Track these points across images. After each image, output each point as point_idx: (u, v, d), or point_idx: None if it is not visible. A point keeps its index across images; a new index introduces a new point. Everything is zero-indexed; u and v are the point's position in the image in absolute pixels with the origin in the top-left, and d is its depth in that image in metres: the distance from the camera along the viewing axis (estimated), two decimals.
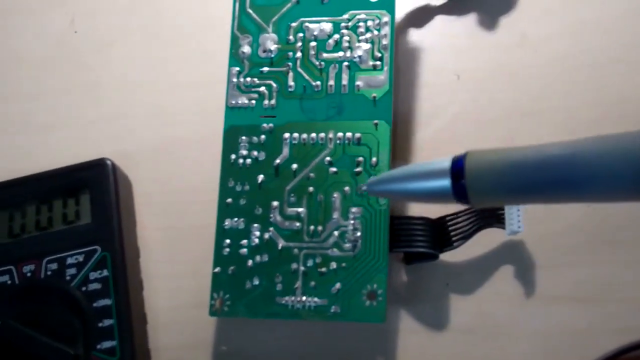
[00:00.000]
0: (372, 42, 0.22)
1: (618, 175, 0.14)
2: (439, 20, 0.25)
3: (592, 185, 0.14)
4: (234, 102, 0.22)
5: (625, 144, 0.14)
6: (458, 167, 0.16)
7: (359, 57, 0.22)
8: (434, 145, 0.23)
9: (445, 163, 0.16)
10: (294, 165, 0.21)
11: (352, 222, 0.21)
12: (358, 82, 0.22)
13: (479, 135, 0.23)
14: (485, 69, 0.24)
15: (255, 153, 0.22)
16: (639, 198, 0.14)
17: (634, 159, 0.14)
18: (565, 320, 0.21)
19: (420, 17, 0.25)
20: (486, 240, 0.21)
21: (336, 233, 0.21)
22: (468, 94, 0.23)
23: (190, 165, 0.24)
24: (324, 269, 0.21)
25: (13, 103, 0.26)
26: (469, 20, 0.24)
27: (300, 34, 0.22)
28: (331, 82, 0.22)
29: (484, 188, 0.16)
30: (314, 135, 0.22)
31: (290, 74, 0.22)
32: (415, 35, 0.24)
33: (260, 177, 0.22)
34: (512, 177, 0.15)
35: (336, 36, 0.22)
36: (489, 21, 0.24)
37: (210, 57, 0.25)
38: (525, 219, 0.20)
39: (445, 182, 0.16)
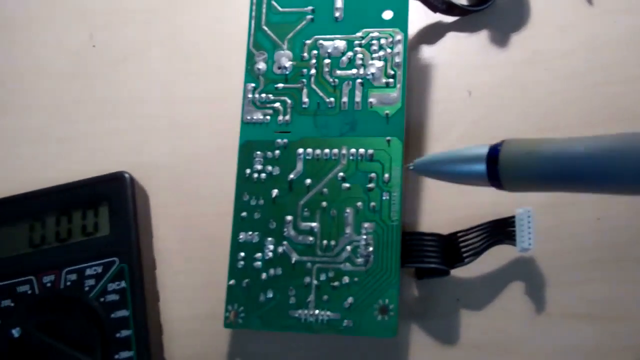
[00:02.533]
0: (385, 60, 0.22)
1: None
2: (451, 37, 0.25)
3: (615, 179, 0.16)
4: (249, 117, 0.23)
5: None
6: (494, 154, 0.17)
7: (372, 74, 0.22)
8: None
9: (484, 149, 0.18)
10: (308, 181, 0.22)
11: (364, 237, 0.21)
12: (371, 99, 0.22)
13: None
14: (496, 85, 0.24)
15: (269, 168, 0.22)
16: None
17: None
18: (575, 337, 0.21)
19: (433, 34, 0.25)
20: (497, 256, 0.21)
21: (349, 248, 0.21)
22: (479, 111, 0.24)
23: (206, 178, 0.25)
24: (336, 283, 0.21)
25: (33, 115, 0.27)
26: (481, 37, 0.25)
27: (315, 51, 0.23)
28: (344, 99, 0.22)
29: (516, 175, 0.17)
30: (327, 150, 0.22)
31: (305, 91, 0.23)
32: (427, 52, 0.25)
33: (275, 192, 0.22)
34: (540, 168, 0.17)
35: (350, 54, 0.23)
36: (501, 38, 0.25)
37: (226, 72, 0.25)
38: (535, 236, 0.20)
39: (482, 167, 0.17)
